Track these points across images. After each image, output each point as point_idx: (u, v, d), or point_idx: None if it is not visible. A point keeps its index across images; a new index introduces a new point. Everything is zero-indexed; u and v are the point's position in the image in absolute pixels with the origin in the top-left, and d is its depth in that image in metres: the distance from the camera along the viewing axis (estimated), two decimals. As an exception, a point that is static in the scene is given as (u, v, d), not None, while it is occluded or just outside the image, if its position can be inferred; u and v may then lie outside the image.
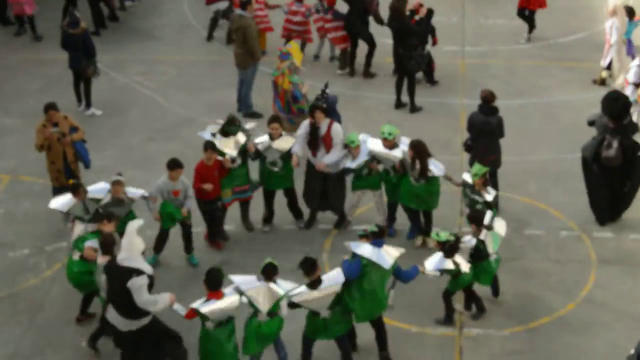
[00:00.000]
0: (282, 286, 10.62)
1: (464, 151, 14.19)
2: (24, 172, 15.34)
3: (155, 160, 14.22)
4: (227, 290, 10.45)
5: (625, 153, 13.25)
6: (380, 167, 13.31)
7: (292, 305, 10.65)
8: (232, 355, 10.52)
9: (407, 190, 13.04)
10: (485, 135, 13.66)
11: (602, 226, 13.67)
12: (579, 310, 12.14)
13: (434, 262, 11.45)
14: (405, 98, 17.12)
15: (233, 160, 13.26)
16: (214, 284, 10.33)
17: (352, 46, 18.26)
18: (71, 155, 13.65)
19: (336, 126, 13.43)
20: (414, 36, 16.65)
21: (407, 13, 16.80)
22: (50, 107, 13.56)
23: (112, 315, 10.54)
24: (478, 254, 11.67)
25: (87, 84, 17.04)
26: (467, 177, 12.68)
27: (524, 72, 18.26)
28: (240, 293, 10.47)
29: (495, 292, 12.22)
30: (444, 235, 11.55)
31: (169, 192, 12.61)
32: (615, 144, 13.20)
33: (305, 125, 13.50)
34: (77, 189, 12.17)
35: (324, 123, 13.38)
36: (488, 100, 13.73)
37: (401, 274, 11.13)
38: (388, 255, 10.93)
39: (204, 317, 10.32)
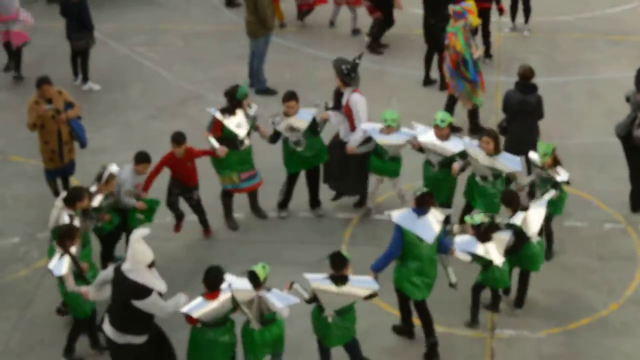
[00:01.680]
0: (276, 297, 10.45)
1: (499, 134, 14.18)
2: (14, 152, 15.47)
3: (158, 140, 14.31)
4: (223, 287, 10.45)
5: None
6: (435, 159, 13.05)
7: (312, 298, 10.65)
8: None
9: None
10: (522, 115, 13.68)
11: (635, 212, 13.68)
12: (623, 312, 12.16)
13: (463, 241, 11.48)
14: (434, 74, 17.14)
15: (242, 142, 13.36)
16: (212, 284, 10.35)
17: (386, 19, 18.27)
18: (66, 134, 13.73)
19: (355, 96, 13.50)
20: (447, 4, 16.63)
21: None
22: (43, 82, 13.63)
23: (107, 327, 10.45)
24: (517, 242, 11.68)
25: (84, 57, 17.15)
26: (535, 157, 12.56)
27: (566, 46, 18.24)
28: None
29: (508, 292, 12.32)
30: (479, 218, 11.56)
31: (132, 185, 12.59)
32: None
33: (334, 94, 13.76)
34: (82, 196, 11.79)
35: (346, 91, 13.53)
36: (526, 77, 13.75)
37: (442, 244, 11.18)
38: (431, 224, 10.97)
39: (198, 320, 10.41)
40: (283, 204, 14.08)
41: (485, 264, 11.57)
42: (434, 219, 11.07)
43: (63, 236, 10.92)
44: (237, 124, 13.30)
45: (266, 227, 13.80)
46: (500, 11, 17.51)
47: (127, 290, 10.13)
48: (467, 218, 11.73)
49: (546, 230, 12.55)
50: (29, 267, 13.08)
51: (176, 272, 12.80)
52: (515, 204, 11.73)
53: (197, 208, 13.49)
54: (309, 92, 16.90)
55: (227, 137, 13.27)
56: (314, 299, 10.62)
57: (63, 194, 11.78)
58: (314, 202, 14.12)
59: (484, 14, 16.99)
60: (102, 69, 17.69)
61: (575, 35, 18.62)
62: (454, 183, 13.09)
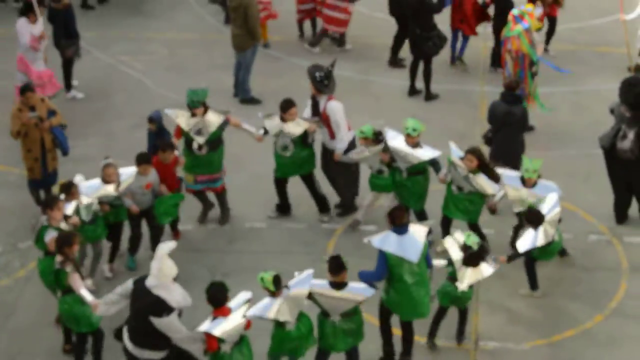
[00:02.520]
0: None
1: (484, 144, 14.26)
2: (-4, 161, 15.45)
3: (142, 150, 14.28)
4: (232, 303, 10.35)
5: None
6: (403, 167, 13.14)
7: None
8: None
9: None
10: (507, 126, 13.74)
11: (620, 224, 13.77)
12: (608, 323, 12.20)
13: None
14: (419, 84, 17.19)
15: (200, 147, 13.45)
16: (217, 301, 10.21)
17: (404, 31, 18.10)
18: (49, 142, 13.72)
19: (332, 104, 13.61)
20: (432, 15, 16.71)
21: None
22: (26, 89, 13.63)
23: (128, 343, 10.31)
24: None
25: (67, 65, 17.12)
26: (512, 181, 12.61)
27: (552, 57, 18.30)
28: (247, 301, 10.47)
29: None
30: (472, 241, 11.41)
31: (140, 187, 12.73)
32: (631, 135, 13.27)
33: (311, 98, 13.88)
34: (70, 189, 12.09)
35: (322, 99, 13.66)
36: (512, 88, 13.82)
37: (428, 258, 11.17)
38: (414, 242, 10.94)
39: (219, 340, 10.22)
40: (280, 209, 14.23)
41: (453, 276, 11.46)
42: (417, 235, 11.03)
43: (62, 244, 10.84)
44: (196, 128, 13.41)
45: (251, 237, 13.80)
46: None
47: (148, 306, 10.00)
48: (466, 235, 11.52)
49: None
50: (10, 277, 13.03)
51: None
52: (538, 224, 11.79)
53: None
54: (295, 100, 16.93)
55: (185, 139, 13.50)
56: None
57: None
58: (321, 207, 14.16)
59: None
60: (86, 78, 17.67)
61: (561, 46, 18.69)
62: (422, 190, 13.14)
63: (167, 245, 10.22)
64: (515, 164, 13.56)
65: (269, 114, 13.77)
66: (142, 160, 12.70)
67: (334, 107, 13.60)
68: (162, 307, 9.97)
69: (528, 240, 11.84)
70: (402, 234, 10.98)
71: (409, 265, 10.92)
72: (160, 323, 9.98)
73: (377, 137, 13.27)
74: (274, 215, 14.19)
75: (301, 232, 13.90)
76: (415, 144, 12.91)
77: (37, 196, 13.94)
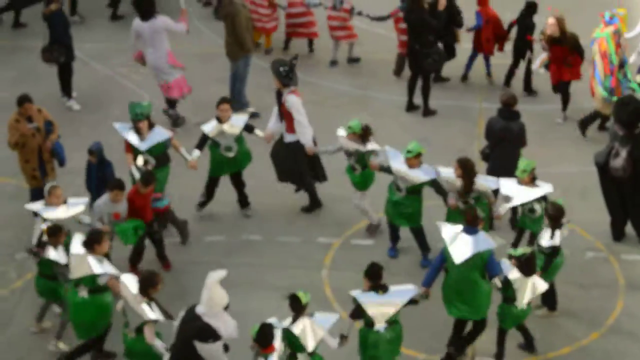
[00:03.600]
0: (321, 321, 10.62)
1: (481, 160, 14.31)
2: (-7, 172, 15.47)
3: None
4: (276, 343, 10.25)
5: (636, 167, 13.41)
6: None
7: (356, 313, 10.82)
8: None
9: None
10: (504, 142, 13.79)
11: (617, 242, 13.84)
12: (604, 341, 12.24)
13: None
14: (417, 100, 17.25)
15: (145, 162, 13.46)
16: (267, 342, 10.15)
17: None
18: (47, 153, 13.77)
19: (291, 98, 13.89)
20: (431, 32, 16.76)
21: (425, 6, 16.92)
22: (24, 100, 13.66)
23: None
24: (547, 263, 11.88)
25: (63, 72, 17.19)
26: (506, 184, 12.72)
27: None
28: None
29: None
30: (520, 250, 11.53)
31: (109, 215, 12.57)
32: (623, 153, 13.36)
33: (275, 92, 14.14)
34: (57, 233, 11.75)
35: (285, 92, 13.95)
36: (509, 104, 13.87)
37: (490, 267, 11.30)
38: (470, 245, 11.13)
39: None
40: (202, 204, 14.40)
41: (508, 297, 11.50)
42: (480, 241, 11.19)
43: (91, 241, 11.01)
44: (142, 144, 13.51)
45: (247, 250, 13.83)
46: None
47: (194, 330, 9.98)
48: (511, 251, 11.62)
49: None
50: (6, 288, 13.05)
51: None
52: (559, 221, 11.86)
53: (159, 242, 13.40)
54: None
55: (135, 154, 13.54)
56: (358, 314, 10.82)
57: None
58: (243, 202, 14.48)
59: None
60: (84, 89, 17.71)
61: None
62: (417, 209, 13.19)
63: (217, 274, 10.15)
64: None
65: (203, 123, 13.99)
66: (115, 186, 12.51)
67: (293, 101, 13.88)
68: (209, 333, 9.95)
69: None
70: (468, 233, 11.22)
71: (456, 264, 11.18)
72: (204, 349, 9.94)
73: (365, 132, 13.51)
74: (200, 211, 14.36)
75: (297, 246, 13.93)
76: (414, 165, 12.95)
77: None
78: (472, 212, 11.38)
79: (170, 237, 13.94)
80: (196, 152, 13.86)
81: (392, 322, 10.84)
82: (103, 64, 18.92)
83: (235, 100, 17.29)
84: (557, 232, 11.93)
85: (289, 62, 14.05)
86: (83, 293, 11.22)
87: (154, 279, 10.62)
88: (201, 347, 9.96)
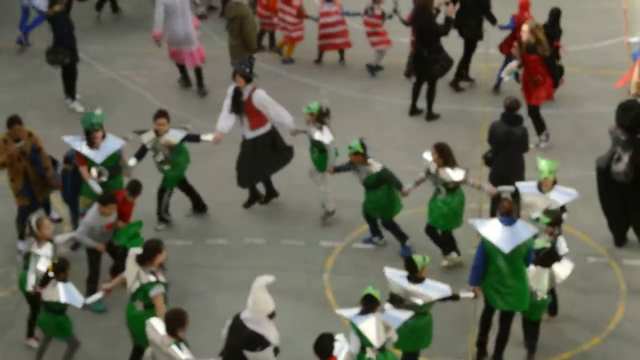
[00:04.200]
0: (393, 316, 10.66)
1: (484, 164, 14.30)
2: (-5, 173, 15.45)
3: (142, 165, 14.32)
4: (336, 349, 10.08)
5: (638, 172, 13.40)
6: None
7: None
8: None
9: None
10: (507, 147, 13.78)
11: (619, 247, 13.83)
12: (605, 346, 12.24)
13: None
14: (421, 104, 17.21)
15: (99, 174, 13.30)
16: (327, 352, 9.96)
17: (469, 53, 18.11)
18: (33, 174, 13.44)
19: (259, 92, 13.99)
20: (439, 37, 16.69)
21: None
22: (14, 121, 13.32)
23: None
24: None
25: (67, 73, 17.20)
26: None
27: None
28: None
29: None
30: (540, 243, 11.58)
31: (101, 227, 12.43)
32: (625, 158, 13.37)
33: (230, 90, 14.12)
34: (64, 268, 11.46)
35: (245, 89, 13.96)
36: (512, 109, 13.85)
37: (531, 255, 11.48)
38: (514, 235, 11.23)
39: None
40: (162, 219, 14.33)
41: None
42: (521, 230, 11.31)
43: (146, 256, 10.87)
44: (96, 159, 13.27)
45: (248, 253, 13.83)
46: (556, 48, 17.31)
47: (243, 340, 9.88)
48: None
49: None
50: (8, 289, 13.06)
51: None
52: (558, 224, 11.93)
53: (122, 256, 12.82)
54: (295, 118, 16.96)
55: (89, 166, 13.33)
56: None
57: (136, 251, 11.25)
58: (198, 207, 14.52)
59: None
60: (87, 91, 17.70)
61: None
62: (385, 201, 13.38)
63: (263, 279, 10.00)
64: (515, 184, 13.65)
65: (141, 130, 13.96)
66: (108, 200, 12.34)
67: (262, 96, 14.01)
68: (257, 341, 9.85)
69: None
70: (509, 223, 11.27)
71: (503, 255, 11.23)
72: (255, 357, 9.85)
73: (321, 115, 13.97)
74: (162, 228, 14.23)
75: (299, 249, 13.92)
76: (355, 160, 13.32)
77: (22, 227, 13.38)
78: (508, 203, 11.44)
79: (177, 239, 13.94)
80: (132, 161, 13.70)
81: (423, 313, 10.97)
82: (107, 66, 18.91)
83: None
84: (561, 238, 11.94)
85: (249, 59, 14.20)
86: (139, 307, 11.03)
87: (181, 317, 10.17)
88: (252, 356, 9.86)
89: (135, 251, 11.12)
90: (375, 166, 13.24)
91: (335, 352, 9.95)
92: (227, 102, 14.16)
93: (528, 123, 14.02)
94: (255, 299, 9.96)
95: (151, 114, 16.95)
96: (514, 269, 11.33)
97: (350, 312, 10.49)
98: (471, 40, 17.90)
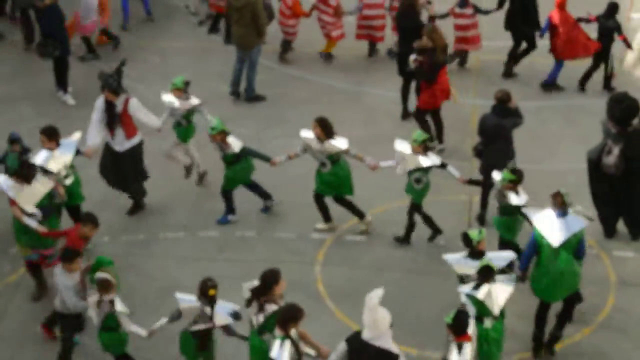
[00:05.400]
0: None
1: (474, 157, 14.31)
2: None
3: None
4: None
5: (629, 165, 13.42)
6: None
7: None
8: None
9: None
10: (498, 139, 13.78)
11: (609, 239, 13.86)
12: (595, 337, 12.25)
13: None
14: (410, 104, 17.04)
15: (30, 214, 12.30)
16: (462, 329, 10.02)
17: (516, 45, 18.24)
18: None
19: (133, 102, 13.89)
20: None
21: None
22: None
23: None
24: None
25: (58, 66, 17.19)
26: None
27: (543, 71, 18.36)
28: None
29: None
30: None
31: (75, 287, 11.19)
32: (616, 151, 13.38)
33: (100, 103, 13.87)
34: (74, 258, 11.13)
35: (119, 101, 13.80)
36: (503, 101, 13.85)
37: (581, 246, 11.61)
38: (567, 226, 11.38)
39: None
40: None
41: None
42: (572, 222, 11.43)
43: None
44: (27, 196, 12.25)
45: (240, 246, 13.83)
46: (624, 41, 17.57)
47: (375, 358, 9.65)
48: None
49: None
50: (0, 282, 13.03)
51: (149, 289, 12.83)
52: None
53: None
54: (287, 111, 17.04)
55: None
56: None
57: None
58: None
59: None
60: (78, 85, 17.68)
61: (552, 61, 18.72)
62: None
63: (375, 294, 9.64)
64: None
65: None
66: (73, 255, 11.14)
67: (137, 104, 13.93)
68: (388, 357, 9.65)
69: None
70: (561, 216, 11.42)
71: (552, 248, 11.39)
72: None
73: (118, 71, 14.13)
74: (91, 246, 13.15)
75: (291, 242, 13.92)
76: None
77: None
78: (560, 196, 11.52)
79: (168, 232, 13.94)
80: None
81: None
82: (98, 59, 18.87)
83: (246, 88, 17.33)
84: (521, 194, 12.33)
85: (116, 70, 14.04)
86: (268, 338, 10.57)
87: (297, 313, 9.99)
88: None
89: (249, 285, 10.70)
90: (236, 145, 13.69)
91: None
92: (97, 116, 13.79)
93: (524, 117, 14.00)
94: (375, 318, 9.59)
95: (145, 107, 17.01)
96: (565, 261, 11.45)
97: (466, 287, 10.72)
98: (523, 37, 18.01)
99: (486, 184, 13.96)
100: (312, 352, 10.31)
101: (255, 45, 17.12)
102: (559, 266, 11.43)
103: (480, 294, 10.58)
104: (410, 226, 13.68)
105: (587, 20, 17.56)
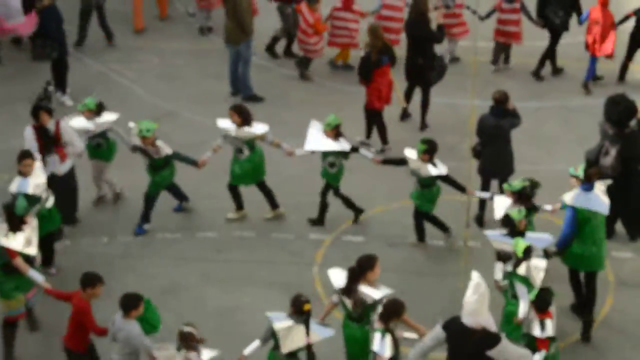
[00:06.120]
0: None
1: (473, 157, 14.32)
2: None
3: (133, 159, 14.32)
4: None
5: (625, 166, 13.45)
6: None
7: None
8: None
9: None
10: (496, 140, 13.80)
11: (607, 239, 13.86)
12: (594, 336, 12.24)
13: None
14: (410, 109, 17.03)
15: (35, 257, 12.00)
16: (544, 306, 10.48)
17: (553, 44, 18.30)
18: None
19: (64, 123, 13.50)
20: (433, 44, 16.50)
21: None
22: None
23: None
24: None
25: (57, 67, 17.19)
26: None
27: (542, 72, 18.39)
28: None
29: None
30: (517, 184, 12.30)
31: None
32: (613, 152, 13.40)
33: (28, 133, 13.26)
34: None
35: (51, 123, 13.35)
36: (501, 102, 13.85)
37: None
38: (601, 196, 11.92)
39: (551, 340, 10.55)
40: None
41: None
42: (600, 196, 11.93)
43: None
44: (25, 241, 11.59)
45: (239, 247, 13.83)
46: None
47: (480, 344, 9.72)
48: (505, 185, 12.49)
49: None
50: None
51: (148, 290, 12.77)
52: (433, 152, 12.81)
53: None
54: (283, 111, 17.04)
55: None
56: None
57: None
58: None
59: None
60: (76, 85, 17.66)
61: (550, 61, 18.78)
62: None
63: (481, 280, 9.73)
64: (503, 177, 13.68)
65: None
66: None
67: (67, 125, 13.52)
68: (492, 339, 9.73)
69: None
70: (590, 190, 11.88)
71: (596, 218, 11.86)
72: (497, 353, 9.74)
73: (46, 92, 14.47)
74: (53, 272, 13.04)
75: (289, 242, 13.93)
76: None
77: None
78: (596, 170, 12.00)
79: (166, 233, 13.94)
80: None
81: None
82: (96, 59, 18.88)
83: (241, 86, 17.33)
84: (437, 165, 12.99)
85: (44, 91, 13.95)
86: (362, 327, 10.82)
87: (400, 309, 10.16)
88: (495, 352, 9.74)
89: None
90: (165, 150, 13.63)
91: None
92: (33, 145, 13.08)
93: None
94: (482, 303, 9.69)
95: (141, 108, 17.06)
96: (600, 229, 11.96)
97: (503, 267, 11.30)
98: (556, 31, 18.06)
99: (485, 185, 14.00)
100: (413, 335, 10.51)
101: (242, 40, 17.07)
102: (597, 235, 11.95)
103: (521, 270, 11.00)
104: (323, 207, 14.06)
105: (626, 18, 17.75)
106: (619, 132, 13.45)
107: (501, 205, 12.47)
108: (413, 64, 16.45)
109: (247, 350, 10.38)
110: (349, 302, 10.68)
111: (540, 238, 11.61)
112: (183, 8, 20.79)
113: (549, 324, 10.46)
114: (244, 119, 13.67)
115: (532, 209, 12.35)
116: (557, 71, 18.53)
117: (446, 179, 13.19)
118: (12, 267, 11.38)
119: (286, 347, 10.18)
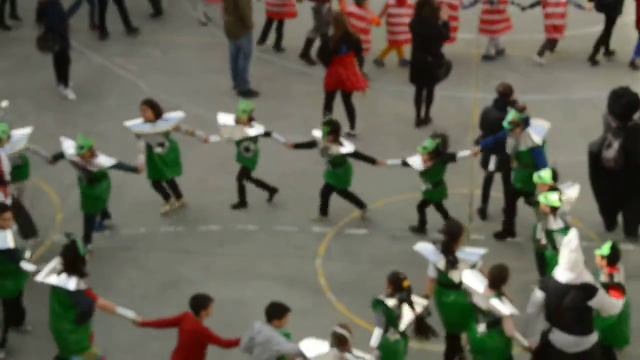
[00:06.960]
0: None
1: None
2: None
3: (134, 152, 14.33)
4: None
5: (628, 159, 13.44)
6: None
7: None
8: None
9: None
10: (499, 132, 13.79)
11: (610, 231, 13.88)
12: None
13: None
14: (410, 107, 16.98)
15: None
16: (616, 259, 11.03)
17: (608, 28, 18.42)
18: None
19: (3, 153, 12.75)
20: (442, 42, 16.45)
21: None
22: None
23: (557, 337, 10.56)
24: None
25: (59, 60, 17.20)
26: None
27: (545, 64, 18.38)
28: None
29: None
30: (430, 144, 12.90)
31: None
32: (615, 145, 13.39)
33: None
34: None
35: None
36: (504, 95, 13.85)
37: None
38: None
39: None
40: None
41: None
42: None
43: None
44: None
45: (241, 240, 13.85)
46: None
47: (581, 295, 10.34)
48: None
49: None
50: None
51: (151, 283, 12.85)
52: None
53: None
54: (286, 105, 17.05)
55: None
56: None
57: None
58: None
59: None
60: (79, 79, 17.69)
61: (554, 54, 18.76)
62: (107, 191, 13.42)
63: (574, 236, 10.45)
64: (506, 170, 13.67)
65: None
66: (284, 311, 10.44)
67: (4, 159, 12.72)
68: (592, 289, 10.37)
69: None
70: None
71: None
72: (596, 302, 10.38)
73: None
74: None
75: (292, 235, 13.94)
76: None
77: None
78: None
79: (169, 226, 13.97)
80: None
81: None
82: (99, 53, 18.91)
83: (238, 80, 17.33)
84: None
85: None
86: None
87: (507, 274, 10.59)
88: (595, 302, 10.37)
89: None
90: (106, 162, 13.08)
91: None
92: None
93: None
94: (577, 258, 10.34)
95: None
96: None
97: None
98: (610, 16, 18.12)
99: (488, 178, 14.00)
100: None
101: (242, 34, 17.07)
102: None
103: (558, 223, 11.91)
104: (242, 190, 14.34)
105: None
106: (622, 125, 13.45)
107: (415, 162, 13.25)
108: (421, 62, 16.32)
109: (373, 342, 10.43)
110: (453, 274, 11.11)
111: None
112: (196, 14, 20.64)
113: (617, 277, 11.03)
114: (157, 112, 13.78)
115: (449, 157, 13.15)
116: (609, 54, 18.64)
117: (355, 154, 13.59)
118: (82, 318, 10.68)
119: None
